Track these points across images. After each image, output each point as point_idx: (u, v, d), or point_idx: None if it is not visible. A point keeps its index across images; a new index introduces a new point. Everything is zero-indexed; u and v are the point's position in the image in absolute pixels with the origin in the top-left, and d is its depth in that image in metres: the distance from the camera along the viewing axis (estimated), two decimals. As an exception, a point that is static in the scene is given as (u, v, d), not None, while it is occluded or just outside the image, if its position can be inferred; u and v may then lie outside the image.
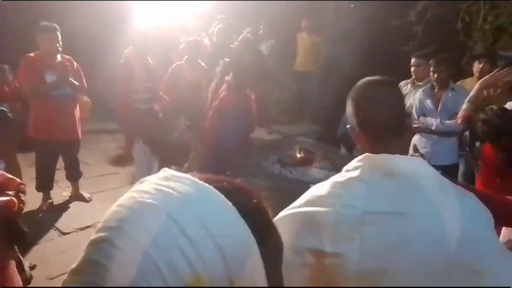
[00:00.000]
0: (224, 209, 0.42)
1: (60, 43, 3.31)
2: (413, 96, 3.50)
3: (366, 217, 0.87)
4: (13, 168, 3.13)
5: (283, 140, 5.62)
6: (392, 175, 0.92)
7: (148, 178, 0.47)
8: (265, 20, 6.10)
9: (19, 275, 1.63)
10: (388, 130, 1.00)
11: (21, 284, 1.61)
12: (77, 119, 3.53)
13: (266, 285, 0.43)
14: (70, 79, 3.32)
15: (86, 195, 3.72)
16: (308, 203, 0.98)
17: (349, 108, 1.07)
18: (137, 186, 0.46)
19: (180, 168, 4.32)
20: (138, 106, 3.59)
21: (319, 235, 0.89)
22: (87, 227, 3.22)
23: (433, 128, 3.19)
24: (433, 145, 3.21)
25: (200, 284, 0.38)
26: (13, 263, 1.61)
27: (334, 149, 4.73)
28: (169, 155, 3.98)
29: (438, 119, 3.19)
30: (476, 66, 3.39)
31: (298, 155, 4.82)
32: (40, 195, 3.49)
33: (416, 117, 3.31)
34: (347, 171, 0.98)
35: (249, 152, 3.67)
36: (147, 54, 3.73)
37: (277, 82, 5.66)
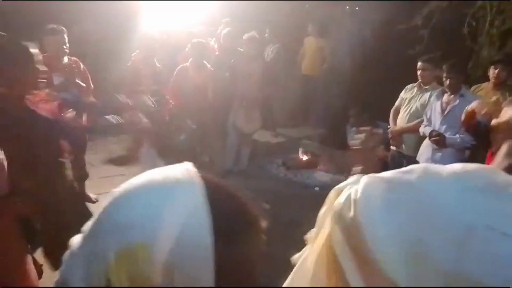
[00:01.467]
0: (195, 205, 0.44)
1: (67, 45, 3.34)
2: (419, 100, 3.51)
3: None
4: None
5: (288, 143, 5.63)
6: None
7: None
8: (271, 24, 6.14)
9: (35, 271, 1.66)
10: None
11: (37, 280, 1.64)
12: (83, 121, 3.57)
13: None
14: (77, 81, 3.34)
15: (92, 196, 3.76)
16: None
17: None
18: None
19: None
20: (145, 109, 3.63)
21: None
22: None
23: (426, 134, 3.20)
24: (433, 152, 3.22)
25: (144, 250, 0.41)
26: (30, 259, 1.63)
27: (340, 152, 4.73)
28: (175, 158, 4.01)
29: (437, 125, 3.20)
30: (492, 72, 3.39)
31: (303, 158, 4.84)
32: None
33: (425, 119, 3.33)
34: None
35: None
36: (154, 57, 3.77)
37: (282, 85, 5.70)
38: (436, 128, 3.20)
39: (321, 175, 4.60)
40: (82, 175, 3.72)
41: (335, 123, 5.28)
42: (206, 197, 0.45)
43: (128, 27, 4.60)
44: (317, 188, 4.18)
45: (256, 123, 4.65)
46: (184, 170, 0.48)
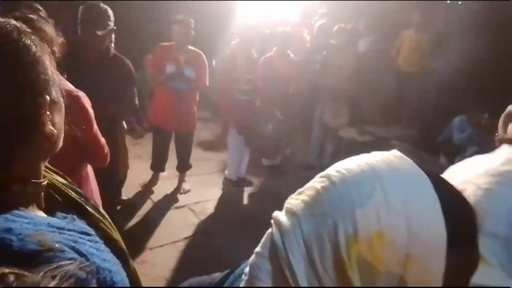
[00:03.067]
0: (428, 198, 0.45)
1: (192, 34, 3.38)
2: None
3: None
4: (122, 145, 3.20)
5: (376, 142, 5.36)
6: None
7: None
8: (366, 17, 5.85)
9: (95, 181, 1.71)
10: None
11: (97, 188, 1.70)
12: (193, 114, 3.62)
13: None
14: (187, 74, 3.37)
15: (185, 187, 3.82)
16: None
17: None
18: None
19: (271, 161, 4.43)
20: (237, 96, 3.70)
21: None
22: (181, 206, 3.50)
23: None
24: None
25: (381, 238, 0.43)
26: (90, 169, 1.68)
27: (432, 157, 4.36)
28: (261, 147, 4.09)
29: None
30: None
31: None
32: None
33: None
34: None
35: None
36: (252, 46, 3.80)
37: (375, 80, 5.41)
38: None
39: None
40: (185, 166, 3.80)
41: (430, 125, 4.87)
42: (436, 191, 0.45)
43: (227, 16, 4.77)
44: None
45: (343, 119, 4.50)
46: (403, 159, 0.49)
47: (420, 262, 0.43)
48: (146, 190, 3.72)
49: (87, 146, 1.54)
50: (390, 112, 5.95)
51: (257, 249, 0.51)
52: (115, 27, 2.51)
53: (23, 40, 0.58)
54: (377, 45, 5.62)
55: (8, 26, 0.58)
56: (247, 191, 3.89)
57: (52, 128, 0.62)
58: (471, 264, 0.48)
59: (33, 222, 0.57)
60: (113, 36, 2.56)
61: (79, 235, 0.63)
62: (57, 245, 0.55)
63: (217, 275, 0.61)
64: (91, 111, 1.54)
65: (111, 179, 2.56)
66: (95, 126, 1.58)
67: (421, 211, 0.44)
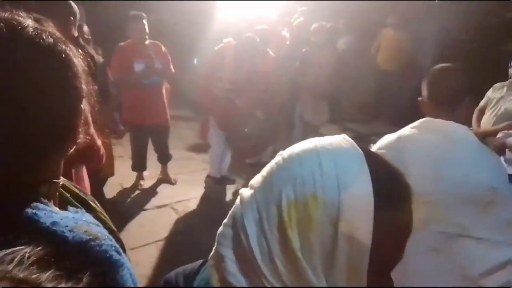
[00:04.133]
0: (358, 166, 0.51)
1: (147, 31, 3.44)
2: (509, 100, 3.17)
3: None
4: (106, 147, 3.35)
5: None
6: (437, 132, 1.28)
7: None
8: (346, 16, 5.93)
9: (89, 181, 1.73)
10: (443, 103, 1.43)
11: (89, 188, 1.71)
12: (165, 105, 3.70)
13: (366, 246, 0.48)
14: (156, 66, 3.44)
15: (172, 177, 3.92)
16: None
17: (423, 83, 1.50)
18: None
19: (254, 159, 4.44)
20: (220, 94, 3.71)
21: None
22: (164, 205, 3.48)
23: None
24: None
25: (315, 200, 0.49)
26: (83, 169, 1.71)
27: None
28: (242, 145, 4.09)
29: None
30: None
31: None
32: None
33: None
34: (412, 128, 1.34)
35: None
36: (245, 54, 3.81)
37: (354, 78, 5.49)
38: None
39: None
40: (165, 157, 3.88)
41: (409, 121, 4.98)
42: (367, 163, 0.51)
43: (205, 16, 4.74)
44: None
45: (324, 116, 4.55)
46: (345, 140, 0.56)
47: (349, 223, 0.48)
48: (128, 189, 3.68)
49: (85, 147, 1.52)
50: (370, 109, 6.05)
51: (225, 220, 0.57)
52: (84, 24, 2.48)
53: (67, 50, 0.60)
54: (356, 44, 5.70)
55: (54, 35, 0.59)
56: (229, 189, 3.89)
57: (82, 136, 0.66)
58: (401, 225, 0.53)
59: (64, 216, 0.60)
60: (85, 30, 2.52)
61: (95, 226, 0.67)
62: (99, 234, 0.60)
63: (199, 262, 0.66)
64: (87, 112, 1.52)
65: (97, 178, 2.52)
66: (92, 128, 1.57)
67: (351, 177, 0.49)
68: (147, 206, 3.45)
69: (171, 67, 3.65)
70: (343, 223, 0.48)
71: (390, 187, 0.52)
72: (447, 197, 1.20)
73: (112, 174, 3.14)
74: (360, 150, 0.53)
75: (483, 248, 1.17)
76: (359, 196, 0.49)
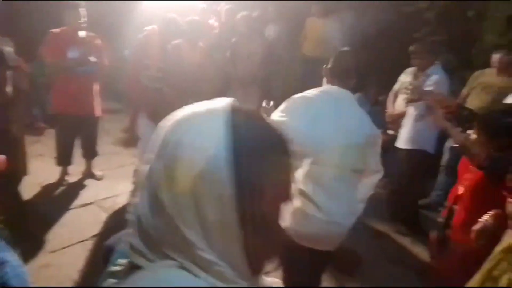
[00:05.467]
0: (218, 128, 0.53)
1: (85, 19, 3.36)
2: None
3: None
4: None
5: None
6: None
7: None
8: (274, 4, 6.00)
9: None
10: (337, 77, 1.89)
11: None
12: (98, 96, 3.56)
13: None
14: (91, 57, 3.34)
15: (98, 173, 3.75)
16: None
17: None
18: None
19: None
20: (147, 84, 3.59)
21: None
22: (89, 204, 3.30)
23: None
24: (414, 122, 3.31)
25: (178, 162, 0.52)
26: None
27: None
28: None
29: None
30: (494, 57, 3.33)
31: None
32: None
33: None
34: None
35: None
36: (170, 37, 3.73)
37: (284, 66, 5.61)
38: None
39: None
40: (92, 152, 3.71)
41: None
42: (230, 121, 0.53)
43: (134, 9, 4.54)
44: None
45: (254, 103, 4.61)
46: (221, 101, 0.57)
47: (209, 180, 0.50)
48: (48, 189, 3.44)
49: None
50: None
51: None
52: None
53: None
54: (285, 32, 5.80)
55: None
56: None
57: None
58: (273, 175, 0.55)
59: None
60: None
61: None
62: None
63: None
64: None
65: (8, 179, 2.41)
66: None
67: (212, 137, 0.52)
68: (71, 205, 3.26)
69: (105, 59, 3.54)
70: (203, 180, 0.50)
71: (254, 143, 0.54)
72: (347, 142, 1.66)
73: (25, 173, 2.90)
74: (228, 111, 0.55)
75: (369, 177, 1.80)
76: (217, 154, 0.51)
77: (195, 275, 0.51)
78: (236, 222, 0.51)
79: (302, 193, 1.69)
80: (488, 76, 3.46)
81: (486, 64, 3.60)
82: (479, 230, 1.76)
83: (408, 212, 3.44)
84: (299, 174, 1.70)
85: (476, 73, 3.58)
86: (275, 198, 0.55)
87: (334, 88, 1.83)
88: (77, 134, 3.59)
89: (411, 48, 3.32)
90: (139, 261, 0.53)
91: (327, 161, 1.66)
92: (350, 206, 1.75)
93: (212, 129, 0.52)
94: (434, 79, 3.13)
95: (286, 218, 1.73)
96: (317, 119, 1.68)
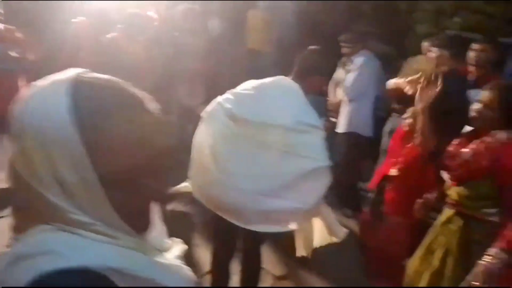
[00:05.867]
0: (59, 94, 0.54)
1: (1, 11, 3.21)
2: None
3: None
4: None
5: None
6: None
7: None
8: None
9: None
10: (298, 72, 2.12)
11: None
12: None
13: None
14: (11, 52, 3.19)
15: None
16: None
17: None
18: None
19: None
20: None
21: None
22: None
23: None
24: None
25: (24, 135, 0.54)
26: None
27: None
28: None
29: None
30: (424, 45, 3.57)
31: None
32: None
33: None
34: None
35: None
36: (104, 30, 3.58)
37: (229, 60, 5.57)
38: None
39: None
40: None
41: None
42: (71, 87, 0.54)
43: (73, 4, 4.27)
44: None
45: (200, 97, 4.54)
46: (67, 71, 0.58)
47: (57, 144, 0.52)
48: None
49: None
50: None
51: None
52: None
53: None
54: (228, 26, 5.76)
55: None
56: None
57: None
58: (116, 139, 0.56)
59: None
60: None
61: None
62: None
63: None
64: None
65: None
66: None
67: (53, 104, 0.54)
68: None
69: (30, 54, 3.38)
70: (54, 144, 0.52)
71: (97, 103, 0.55)
72: (273, 122, 1.80)
73: None
74: (71, 78, 0.56)
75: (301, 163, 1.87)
76: (61, 117, 0.52)
77: (73, 233, 0.52)
78: (96, 181, 0.52)
79: (214, 155, 1.79)
80: (420, 62, 3.67)
81: (419, 52, 3.83)
82: (422, 203, 1.89)
83: (348, 195, 3.58)
84: (219, 136, 1.84)
85: (409, 60, 3.79)
86: (133, 154, 0.55)
87: (285, 78, 2.05)
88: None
89: (340, 37, 3.53)
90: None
91: (250, 132, 1.80)
92: (262, 183, 1.76)
93: (55, 95, 0.54)
94: (358, 63, 3.33)
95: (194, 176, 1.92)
96: (258, 96, 1.94)
